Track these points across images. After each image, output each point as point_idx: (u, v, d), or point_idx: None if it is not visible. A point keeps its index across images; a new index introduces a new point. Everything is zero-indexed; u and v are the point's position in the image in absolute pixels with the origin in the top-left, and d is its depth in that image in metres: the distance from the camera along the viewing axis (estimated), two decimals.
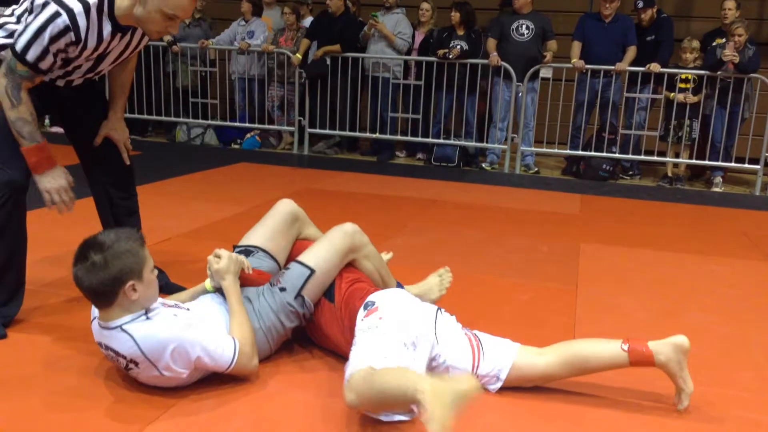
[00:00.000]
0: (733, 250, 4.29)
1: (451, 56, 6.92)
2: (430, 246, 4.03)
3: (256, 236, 2.58)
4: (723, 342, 2.76)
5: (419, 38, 7.38)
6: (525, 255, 3.93)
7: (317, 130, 7.63)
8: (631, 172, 7.15)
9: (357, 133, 7.62)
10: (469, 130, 7.29)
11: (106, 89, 2.96)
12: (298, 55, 7.41)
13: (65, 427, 1.90)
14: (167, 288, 2.84)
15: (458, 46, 6.98)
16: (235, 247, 2.57)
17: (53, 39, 2.28)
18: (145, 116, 8.02)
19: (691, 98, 6.64)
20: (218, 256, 2.32)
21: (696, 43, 6.77)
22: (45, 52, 2.29)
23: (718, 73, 6.49)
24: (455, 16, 6.99)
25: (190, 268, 3.38)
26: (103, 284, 1.96)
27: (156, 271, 2.12)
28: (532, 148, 7.21)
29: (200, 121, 7.93)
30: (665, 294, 3.36)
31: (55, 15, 2.25)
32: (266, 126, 7.90)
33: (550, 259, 3.85)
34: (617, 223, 4.95)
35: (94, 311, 2.10)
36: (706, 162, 6.76)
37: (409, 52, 7.37)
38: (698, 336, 2.81)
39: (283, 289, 2.32)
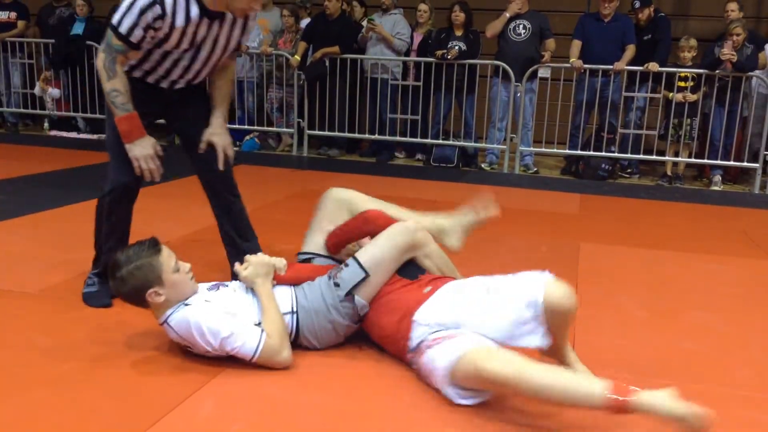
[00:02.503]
0: (733, 248, 4.30)
1: (449, 57, 6.93)
2: None
3: (312, 241, 2.63)
4: (723, 340, 2.77)
5: (417, 39, 7.38)
6: (524, 255, 3.93)
7: (317, 132, 7.64)
8: (630, 170, 7.15)
9: (356, 135, 7.63)
10: (468, 131, 7.29)
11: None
12: (297, 57, 7.41)
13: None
14: None
15: (456, 47, 6.98)
16: (299, 254, 2.64)
17: (143, 11, 2.46)
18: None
19: (691, 96, 6.65)
20: (246, 263, 2.41)
21: (693, 42, 6.76)
22: (135, 25, 2.48)
23: (716, 72, 6.49)
24: (460, 16, 6.99)
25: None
26: (130, 296, 2.27)
27: (184, 266, 2.32)
28: (531, 148, 7.22)
29: None
30: (665, 293, 3.36)
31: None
32: (265, 128, 7.90)
33: (549, 259, 3.85)
34: (617, 222, 4.95)
35: None
36: (705, 161, 6.76)
37: (407, 53, 7.38)
38: (698, 335, 2.82)
39: (337, 285, 2.37)
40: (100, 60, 2.57)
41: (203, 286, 2.40)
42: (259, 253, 2.45)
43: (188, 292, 2.31)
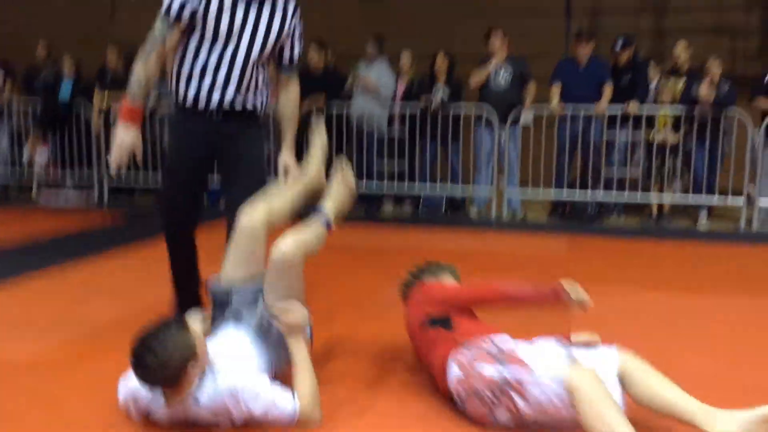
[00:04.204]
0: (723, 286, 4.31)
1: (433, 107, 7.02)
2: None
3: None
4: (714, 380, 2.75)
5: (401, 88, 7.49)
6: None
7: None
8: (616, 211, 7.21)
9: None
10: (455, 177, 7.35)
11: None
12: None
13: None
14: None
15: (439, 97, 7.08)
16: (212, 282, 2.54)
17: None
18: (132, 182, 8.04)
19: (671, 138, 6.73)
20: (288, 310, 2.34)
21: (672, 83, 6.90)
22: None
23: (696, 109, 6.60)
24: (443, 64, 7.10)
25: None
26: (167, 379, 2.11)
27: (203, 331, 2.24)
28: (517, 192, 7.27)
29: None
30: (657, 333, 3.36)
31: None
32: None
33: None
34: (605, 263, 4.97)
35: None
36: (690, 200, 6.82)
37: (392, 101, 7.47)
38: (689, 376, 2.80)
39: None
40: (144, 45, 2.72)
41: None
42: (298, 303, 2.40)
43: (206, 361, 2.19)
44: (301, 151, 3.03)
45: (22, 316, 3.58)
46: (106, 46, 8.16)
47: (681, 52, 6.86)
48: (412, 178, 7.39)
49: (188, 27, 2.76)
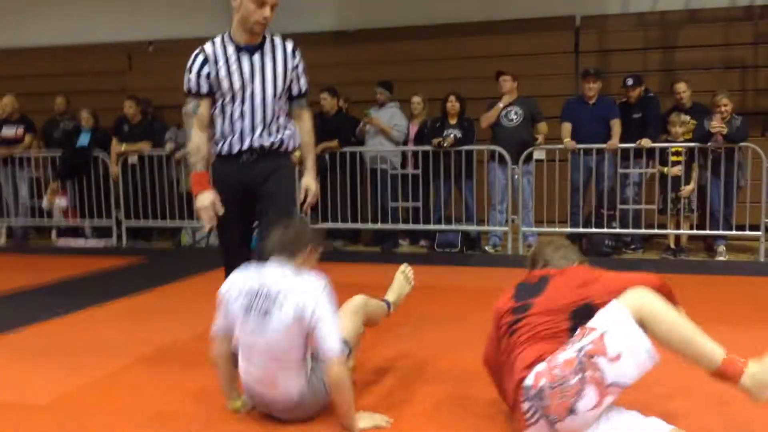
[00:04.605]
0: (744, 317, 4.26)
1: (445, 145, 7.10)
2: (439, 333, 4.01)
3: None
4: (740, 414, 2.71)
5: (414, 129, 7.58)
6: None
7: (319, 225, 7.72)
8: (633, 246, 7.17)
9: (359, 225, 7.71)
10: (470, 215, 7.38)
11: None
12: (297, 154, 7.55)
13: None
14: None
15: (452, 135, 7.16)
16: None
17: (193, 62, 3.14)
18: (150, 222, 8.13)
19: (674, 171, 6.72)
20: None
21: (685, 117, 6.93)
22: (191, 76, 3.14)
23: (708, 144, 6.62)
24: (455, 105, 7.21)
25: (198, 370, 3.37)
26: (296, 245, 2.61)
27: None
28: (533, 228, 7.27)
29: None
30: (679, 367, 3.31)
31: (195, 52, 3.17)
32: None
33: None
34: None
35: None
36: (707, 231, 6.79)
37: (405, 143, 7.56)
38: (714, 409, 2.76)
39: None
40: (187, 121, 3.18)
41: None
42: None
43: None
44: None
45: (36, 362, 3.60)
46: (123, 97, 8.33)
47: (683, 90, 6.92)
48: (426, 217, 7.42)
49: (210, 93, 3.15)
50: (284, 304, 2.48)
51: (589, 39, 8.86)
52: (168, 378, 3.25)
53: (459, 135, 7.18)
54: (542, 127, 7.19)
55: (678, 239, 6.94)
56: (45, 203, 8.45)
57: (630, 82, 7.02)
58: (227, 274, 3.16)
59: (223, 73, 3.09)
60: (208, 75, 3.10)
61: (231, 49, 3.11)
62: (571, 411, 2.16)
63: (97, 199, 8.19)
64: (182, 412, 2.84)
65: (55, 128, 8.67)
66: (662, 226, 6.98)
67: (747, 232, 6.70)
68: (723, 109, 6.54)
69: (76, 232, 8.54)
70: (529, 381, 2.26)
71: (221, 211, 3.08)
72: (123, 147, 8.03)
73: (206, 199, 3.09)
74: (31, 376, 3.31)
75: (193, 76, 3.12)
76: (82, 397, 3.00)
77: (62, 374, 3.31)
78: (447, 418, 2.74)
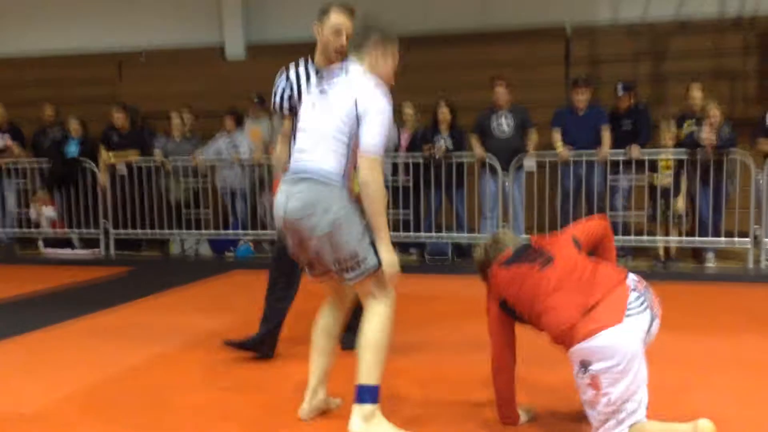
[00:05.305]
0: (735, 325, 4.27)
1: (437, 155, 7.09)
2: (431, 343, 3.99)
3: None
4: (724, 420, 2.70)
5: (405, 138, 7.57)
6: (527, 343, 3.88)
7: None
8: (623, 254, 7.17)
9: None
10: (461, 224, 7.37)
11: None
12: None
13: None
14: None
15: (443, 144, 7.16)
16: None
17: (278, 82, 3.49)
18: (139, 232, 8.08)
19: (664, 180, 6.73)
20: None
21: (674, 126, 6.94)
22: (275, 95, 3.48)
23: (697, 152, 6.63)
24: (445, 113, 7.21)
25: (186, 378, 3.33)
26: (362, 33, 2.73)
27: None
28: (524, 236, 7.26)
29: (193, 232, 8.00)
30: (671, 374, 3.31)
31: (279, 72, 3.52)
32: (260, 232, 7.96)
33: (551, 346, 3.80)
34: None
35: None
36: (696, 238, 6.79)
37: (396, 150, 7.54)
38: (700, 416, 2.75)
39: None
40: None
41: None
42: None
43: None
44: None
45: (23, 371, 3.55)
46: (112, 106, 8.29)
47: (698, 95, 6.86)
48: (417, 226, 7.40)
49: (291, 114, 3.42)
50: (344, 90, 2.61)
51: (580, 48, 8.91)
52: (154, 392, 3.21)
53: (450, 144, 7.17)
54: (533, 134, 7.20)
55: (668, 248, 6.94)
56: (33, 214, 8.39)
57: (621, 90, 7.03)
58: (273, 270, 3.61)
59: (303, 95, 3.28)
60: (289, 95, 3.42)
61: (312, 70, 3.42)
62: (657, 315, 2.48)
63: (85, 208, 8.13)
64: (168, 427, 2.80)
65: (44, 137, 8.62)
66: (651, 233, 6.98)
67: (736, 240, 6.71)
68: (713, 119, 6.56)
69: (63, 242, 8.48)
70: (630, 280, 2.50)
71: None
72: (112, 157, 7.98)
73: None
74: (15, 387, 3.27)
75: (277, 98, 3.46)
76: (63, 410, 2.96)
77: (45, 387, 3.27)
78: (439, 426, 2.71)
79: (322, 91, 2.67)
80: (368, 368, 2.53)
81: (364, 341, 2.57)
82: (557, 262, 2.53)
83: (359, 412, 2.50)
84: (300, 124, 2.73)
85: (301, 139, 2.68)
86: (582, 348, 2.34)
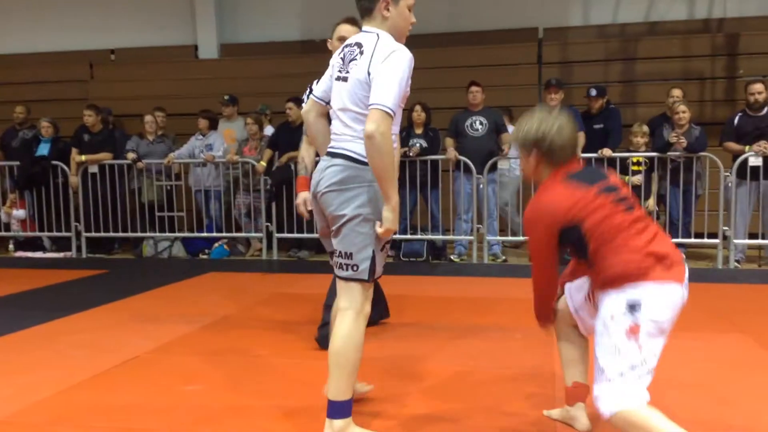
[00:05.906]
0: (703, 324, 4.34)
1: (411, 154, 7.12)
2: (405, 342, 4.00)
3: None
4: (701, 420, 2.75)
5: None
6: (500, 344, 3.92)
7: (285, 235, 7.68)
8: None
9: None
10: (435, 224, 7.40)
11: None
12: (263, 163, 7.55)
13: None
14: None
15: (417, 144, 7.19)
16: None
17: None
18: (111, 234, 8.00)
19: (636, 180, 6.83)
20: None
21: (645, 128, 7.05)
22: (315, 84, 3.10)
23: (668, 154, 6.74)
24: (421, 115, 7.25)
25: (160, 381, 3.31)
26: None
27: None
28: (498, 237, 7.33)
29: (167, 234, 7.93)
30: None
31: None
32: (234, 234, 7.92)
33: (525, 346, 3.84)
34: None
35: None
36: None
37: None
38: (677, 416, 2.80)
39: None
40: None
41: None
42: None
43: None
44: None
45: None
46: (83, 107, 8.19)
47: (678, 96, 7.03)
48: None
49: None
50: (363, 54, 2.55)
51: (552, 50, 9.01)
52: (128, 394, 3.19)
53: (425, 145, 7.21)
54: (506, 137, 7.26)
55: None
56: (3, 215, 8.26)
57: (594, 92, 7.14)
58: None
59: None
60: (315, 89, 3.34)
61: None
62: None
63: (56, 209, 8.03)
64: (141, 429, 2.78)
65: (14, 138, 8.48)
66: None
67: (706, 239, 6.83)
68: (680, 115, 6.67)
69: (34, 244, 8.36)
70: None
71: (309, 207, 3.22)
72: (83, 157, 7.89)
73: (300, 198, 3.42)
74: None
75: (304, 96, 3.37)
76: (34, 415, 2.92)
77: (15, 392, 3.22)
78: (420, 425, 2.73)
79: (340, 78, 2.62)
80: (337, 385, 2.50)
81: (333, 352, 2.52)
82: (637, 212, 2.43)
83: (331, 428, 2.50)
84: (331, 112, 2.72)
85: (334, 125, 2.68)
86: (647, 288, 2.29)
